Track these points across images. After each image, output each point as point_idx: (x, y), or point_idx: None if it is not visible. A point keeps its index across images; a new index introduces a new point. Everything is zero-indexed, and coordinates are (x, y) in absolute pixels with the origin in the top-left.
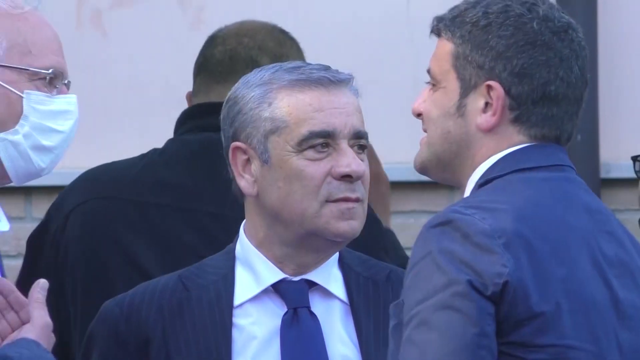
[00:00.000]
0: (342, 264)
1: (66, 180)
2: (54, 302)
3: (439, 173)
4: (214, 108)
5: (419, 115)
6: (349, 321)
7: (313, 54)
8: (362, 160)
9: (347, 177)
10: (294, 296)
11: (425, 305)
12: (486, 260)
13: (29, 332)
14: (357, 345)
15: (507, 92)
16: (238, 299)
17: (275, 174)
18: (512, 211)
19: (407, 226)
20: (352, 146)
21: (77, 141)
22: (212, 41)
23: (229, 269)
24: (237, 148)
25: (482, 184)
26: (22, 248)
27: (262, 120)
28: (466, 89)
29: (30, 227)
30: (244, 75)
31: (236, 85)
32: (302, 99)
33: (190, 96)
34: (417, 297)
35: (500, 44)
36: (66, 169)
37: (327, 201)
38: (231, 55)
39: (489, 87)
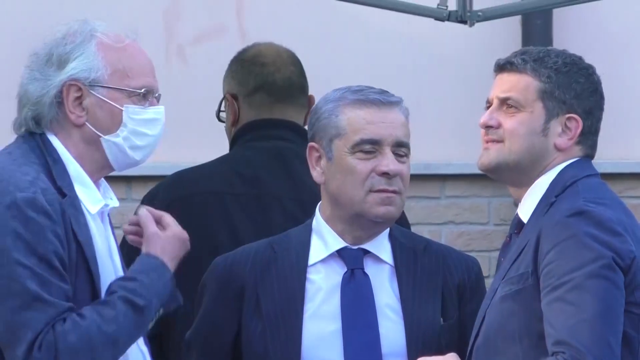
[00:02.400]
0: (391, 236)
1: (157, 172)
2: None
3: (509, 174)
4: (279, 123)
5: (489, 127)
6: (393, 280)
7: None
8: (402, 162)
9: (386, 174)
10: (352, 260)
11: (578, 274)
12: (619, 241)
13: (156, 242)
14: (399, 297)
15: (583, 124)
16: (312, 260)
17: (336, 169)
18: (612, 205)
19: (407, 208)
20: (393, 152)
21: (165, 142)
22: (265, 67)
23: (306, 237)
24: (312, 147)
25: (569, 185)
26: (124, 221)
27: (330, 128)
28: (550, 117)
29: (130, 206)
30: (302, 96)
31: (319, 100)
32: (359, 114)
33: (234, 99)
34: (566, 268)
35: (578, 88)
36: (157, 163)
37: (371, 191)
38: (290, 83)
39: (570, 118)
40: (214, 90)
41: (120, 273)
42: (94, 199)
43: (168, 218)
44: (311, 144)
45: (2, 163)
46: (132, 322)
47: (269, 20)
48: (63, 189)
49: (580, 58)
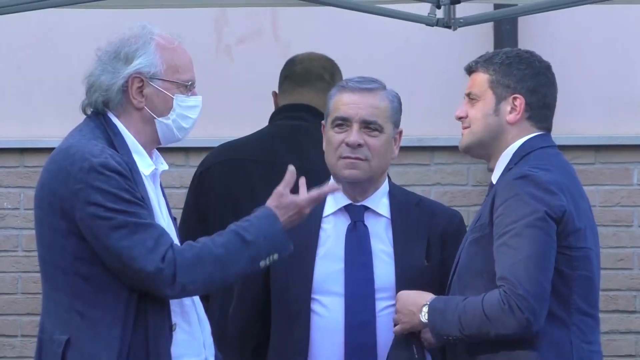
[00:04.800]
0: (391, 194)
1: (207, 144)
2: (198, 231)
3: (478, 151)
4: (298, 106)
5: (460, 118)
6: (388, 229)
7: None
8: (371, 136)
9: (349, 145)
10: (355, 214)
11: (518, 224)
12: (553, 198)
13: (277, 199)
14: (392, 243)
15: (526, 101)
16: (326, 212)
17: (325, 139)
18: (555, 170)
19: (404, 173)
20: (361, 128)
21: (215, 120)
22: (293, 62)
23: None
24: (322, 125)
25: (523, 155)
26: (184, 181)
27: (328, 109)
28: (499, 100)
29: (188, 171)
30: (320, 82)
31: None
32: (340, 97)
33: (276, 95)
34: (510, 220)
35: (519, 74)
36: (208, 137)
37: (340, 157)
38: (307, 71)
39: (515, 98)
40: (253, 80)
41: (169, 224)
42: (146, 164)
43: (302, 188)
44: (322, 122)
45: (75, 138)
46: (238, 250)
47: (297, 26)
48: (123, 156)
49: (528, 52)
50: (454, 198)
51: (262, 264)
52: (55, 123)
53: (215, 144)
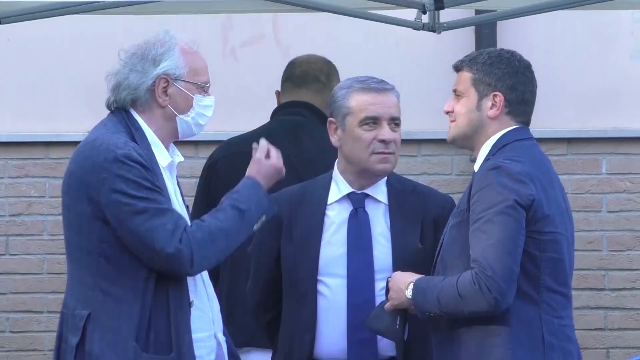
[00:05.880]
0: (388, 182)
1: (215, 138)
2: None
3: (463, 142)
4: (296, 103)
5: (448, 112)
6: (386, 215)
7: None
8: (395, 132)
9: (383, 141)
10: (356, 202)
11: (489, 212)
12: (522, 187)
13: (255, 166)
14: (389, 227)
15: (505, 98)
16: (330, 200)
17: (347, 137)
18: (527, 162)
19: (411, 160)
20: (389, 124)
21: (221, 116)
22: (293, 64)
23: (327, 184)
24: (331, 121)
25: (500, 147)
26: (194, 172)
27: (343, 108)
28: (481, 96)
29: (198, 162)
30: (317, 83)
31: (335, 86)
32: (364, 98)
33: (278, 94)
34: (483, 207)
35: (499, 72)
36: (216, 132)
37: (373, 153)
38: (305, 73)
39: (495, 95)
40: (256, 79)
41: (183, 211)
42: (164, 156)
43: (274, 152)
44: (330, 119)
45: (100, 132)
46: (238, 220)
47: (297, 30)
48: (143, 149)
49: (509, 52)
50: (439, 186)
51: (255, 227)
52: (77, 119)
53: (222, 138)
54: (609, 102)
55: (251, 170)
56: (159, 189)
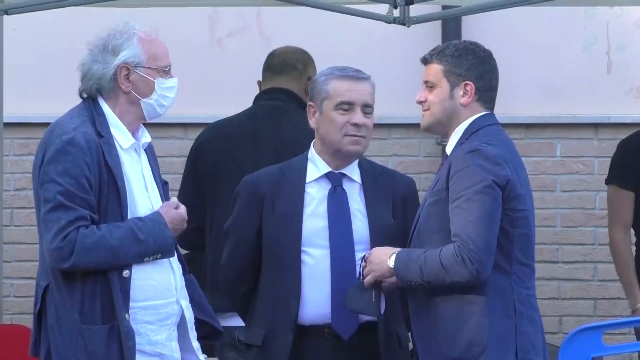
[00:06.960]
0: (360, 165)
1: (203, 120)
2: (194, 195)
3: (438, 129)
4: (276, 89)
5: (421, 102)
6: (361, 193)
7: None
8: (367, 117)
9: (355, 125)
10: (334, 180)
11: (469, 191)
12: (499, 169)
13: (167, 211)
14: (364, 204)
15: (475, 86)
16: (308, 178)
17: (324, 119)
18: (500, 145)
19: (383, 142)
20: (362, 110)
21: (208, 100)
22: (272, 55)
23: (304, 164)
24: (310, 105)
25: (473, 132)
26: (183, 151)
27: (322, 93)
28: (453, 86)
29: (186, 142)
30: (294, 71)
31: (317, 73)
32: (342, 84)
33: (260, 82)
34: (463, 186)
35: (467, 63)
36: (203, 114)
37: (345, 135)
38: (283, 62)
39: (466, 84)
40: (240, 67)
41: (154, 193)
42: (125, 137)
43: (182, 205)
44: (310, 103)
45: (62, 118)
46: (130, 245)
47: (279, 23)
48: (102, 132)
49: (473, 43)
50: (408, 167)
51: (146, 259)
52: (76, 102)
53: (209, 120)
54: (564, 90)
55: (162, 210)
56: (87, 180)
